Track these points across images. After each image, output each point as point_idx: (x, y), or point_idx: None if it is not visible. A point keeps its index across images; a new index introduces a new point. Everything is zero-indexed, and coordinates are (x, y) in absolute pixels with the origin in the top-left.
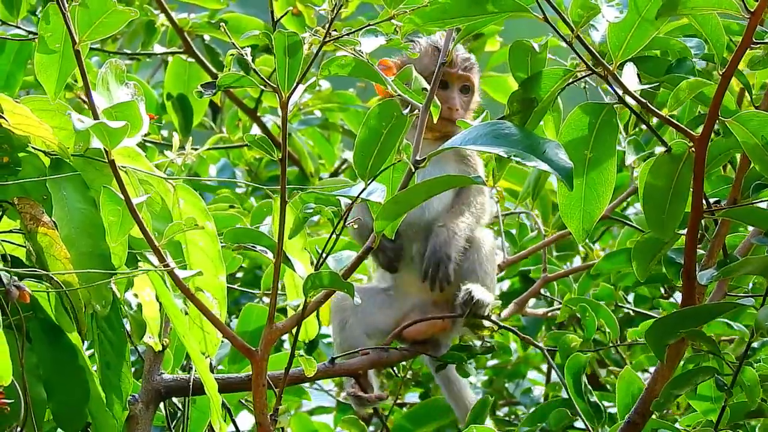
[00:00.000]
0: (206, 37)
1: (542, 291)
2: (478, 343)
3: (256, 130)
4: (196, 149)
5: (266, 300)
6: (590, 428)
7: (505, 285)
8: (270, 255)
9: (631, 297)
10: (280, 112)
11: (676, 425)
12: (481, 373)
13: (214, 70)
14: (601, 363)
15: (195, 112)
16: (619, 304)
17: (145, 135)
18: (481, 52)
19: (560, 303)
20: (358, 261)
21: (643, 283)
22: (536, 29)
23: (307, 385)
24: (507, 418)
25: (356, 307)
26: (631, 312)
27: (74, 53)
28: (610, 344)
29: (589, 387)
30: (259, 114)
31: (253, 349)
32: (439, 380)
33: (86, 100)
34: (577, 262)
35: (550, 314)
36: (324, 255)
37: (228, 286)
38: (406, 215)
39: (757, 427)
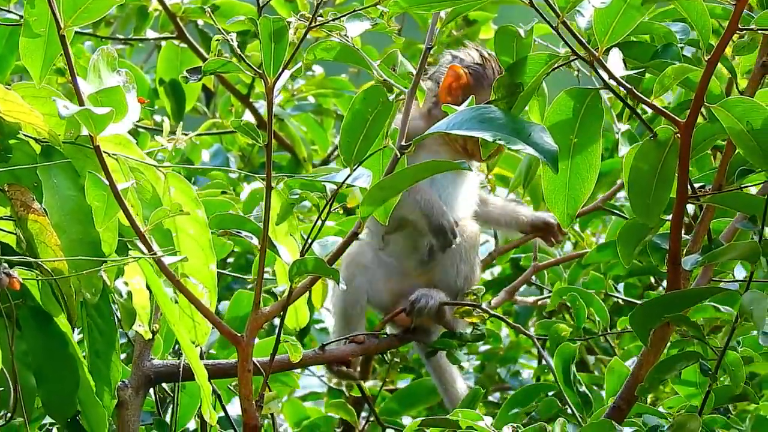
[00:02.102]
0: (199, 22)
1: (533, 279)
2: (468, 330)
3: (248, 115)
4: (186, 134)
5: None
6: (579, 417)
7: (496, 272)
8: (255, 241)
9: (620, 286)
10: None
11: (659, 408)
12: (473, 359)
13: (207, 56)
14: (590, 351)
15: (187, 98)
16: (609, 293)
17: (138, 120)
18: (475, 39)
19: (550, 291)
20: (344, 246)
21: (632, 275)
22: (531, 15)
23: (298, 370)
24: (498, 403)
25: (367, 268)
26: (620, 301)
27: (59, 38)
28: (600, 333)
29: (578, 377)
30: (251, 99)
31: (239, 335)
32: (430, 369)
33: None
34: (568, 248)
35: (540, 302)
36: (309, 240)
37: (219, 272)
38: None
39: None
